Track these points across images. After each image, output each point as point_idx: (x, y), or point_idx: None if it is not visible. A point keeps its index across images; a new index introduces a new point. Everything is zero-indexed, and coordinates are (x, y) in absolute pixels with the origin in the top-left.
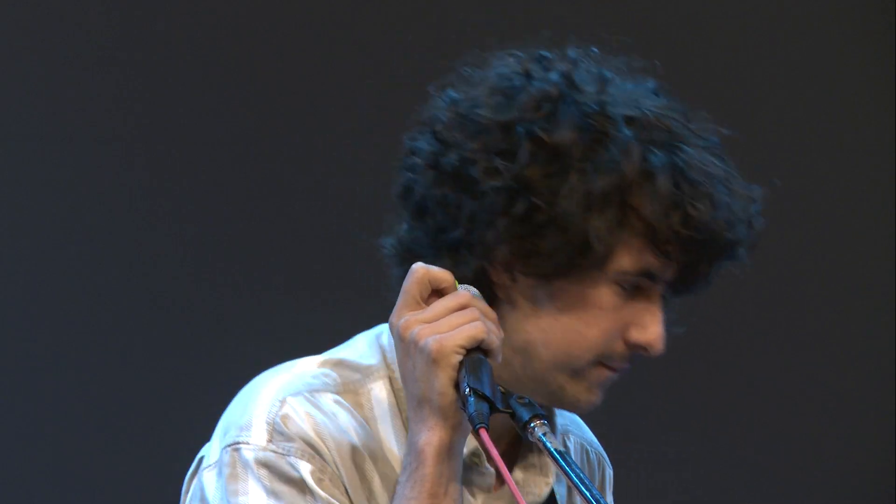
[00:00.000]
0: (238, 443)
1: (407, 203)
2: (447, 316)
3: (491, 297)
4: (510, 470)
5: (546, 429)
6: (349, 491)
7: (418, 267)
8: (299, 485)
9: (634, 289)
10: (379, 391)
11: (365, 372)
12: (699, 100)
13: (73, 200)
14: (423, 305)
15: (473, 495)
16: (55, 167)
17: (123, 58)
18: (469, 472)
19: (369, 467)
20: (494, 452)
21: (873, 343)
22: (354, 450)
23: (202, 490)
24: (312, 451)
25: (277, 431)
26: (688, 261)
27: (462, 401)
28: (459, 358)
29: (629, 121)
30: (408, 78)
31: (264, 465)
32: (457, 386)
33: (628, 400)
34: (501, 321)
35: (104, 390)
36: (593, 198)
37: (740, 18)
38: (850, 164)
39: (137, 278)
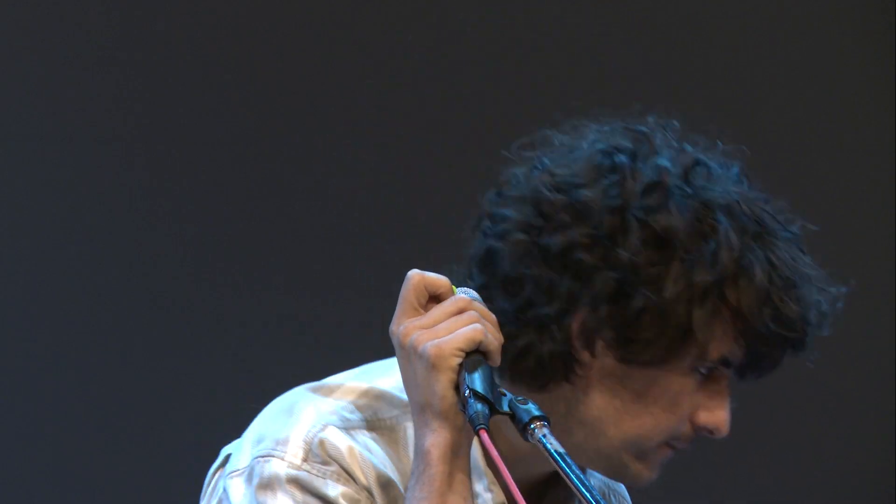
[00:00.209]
0: (272, 455)
1: (488, 269)
2: (446, 321)
3: (568, 372)
4: None
5: (546, 430)
6: None
7: (414, 273)
8: None
9: (708, 373)
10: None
11: (404, 409)
12: (699, 100)
13: (73, 200)
14: (422, 311)
15: None
16: (55, 167)
17: (123, 58)
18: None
19: (402, 502)
20: (495, 454)
21: (873, 343)
22: (390, 482)
23: (227, 493)
24: (348, 476)
25: (314, 453)
26: (767, 352)
27: (462, 403)
28: (458, 361)
29: (727, 211)
30: (408, 78)
31: (296, 481)
32: (457, 388)
33: None
34: (574, 394)
35: (104, 390)
36: (695, 289)
37: (740, 18)
38: (850, 164)
39: (137, 278)
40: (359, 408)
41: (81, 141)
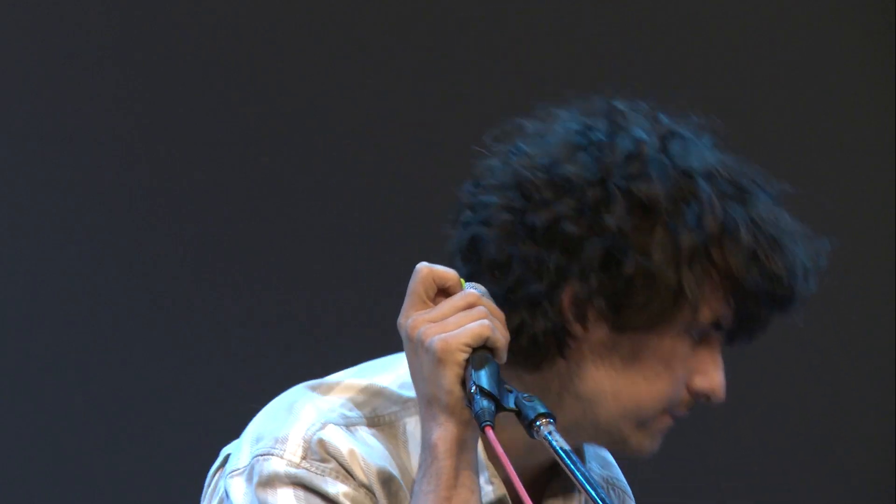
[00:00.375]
0: (271, 454)
1: (473, 257)
2: (454, 315)
3: (562, 347)
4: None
5: (552, 427)
6: None
7: (423, 266)
8: (331, 502)
9: (700, 337)
10: (413, 426)
11: (403, 405)
12: (700, 100)
13: (73, 200)
14: (431, 305)
15: None
16: (55, 167)
17: (123, 58)
18: None
19: (403, 495)
20: (500, 451)
21: (873, 343)
22: (390, 478)
23: (228, 493)
24: (347, 473)
25: (313, 451)
26: (756, 312)
27: (468, 399)
28: (465, 356)
29: (707, 176)
30: (408, 78)
31: (295, 479)
32: (463, 384)
33: None
34: (568, 369)
35: (104, 390)
36: (682, 252)
37: (740, 18)
38: (850, 164)
39: (137, 278)
40: (358, 405)
41: (81, 141)
